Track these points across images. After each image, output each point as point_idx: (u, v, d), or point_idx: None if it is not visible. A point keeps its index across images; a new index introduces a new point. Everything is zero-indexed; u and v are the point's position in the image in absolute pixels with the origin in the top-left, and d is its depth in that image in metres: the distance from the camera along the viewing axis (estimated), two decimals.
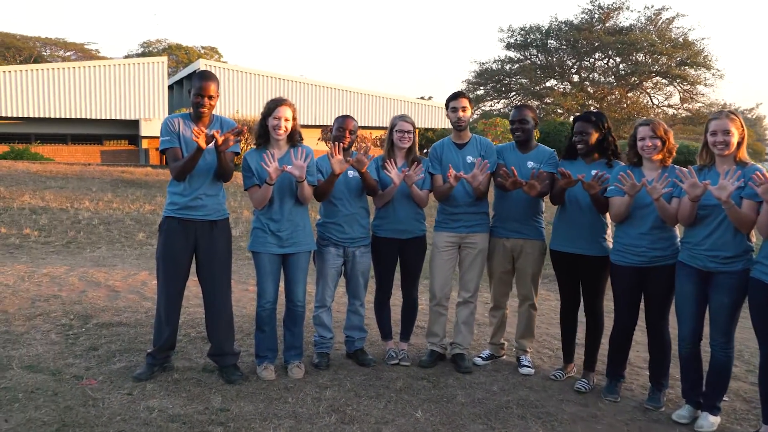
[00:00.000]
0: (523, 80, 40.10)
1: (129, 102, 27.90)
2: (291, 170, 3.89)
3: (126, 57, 48.77)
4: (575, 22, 38.17)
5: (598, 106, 36.21)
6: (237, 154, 4.02)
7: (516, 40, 39.73)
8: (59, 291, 6.08)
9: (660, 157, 3.82)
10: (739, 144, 3.49)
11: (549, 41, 39.14)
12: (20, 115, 26.49)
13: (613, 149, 4.19)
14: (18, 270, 6.92)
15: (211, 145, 3.73)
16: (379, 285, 4.58)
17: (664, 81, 38.14)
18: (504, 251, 4.47)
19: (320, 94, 30.89)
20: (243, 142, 16.23)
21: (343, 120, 4.34)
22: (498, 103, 41.18)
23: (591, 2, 38.48)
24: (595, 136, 4.10)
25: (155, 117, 27.75)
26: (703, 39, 45.97)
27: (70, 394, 3.69)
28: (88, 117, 27.54)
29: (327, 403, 3.74)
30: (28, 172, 16.73)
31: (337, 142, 4.17)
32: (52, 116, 26.94)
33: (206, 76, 3.86)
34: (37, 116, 26.75)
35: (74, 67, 27.52)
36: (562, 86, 40.04)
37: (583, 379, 4.19)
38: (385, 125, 30.26)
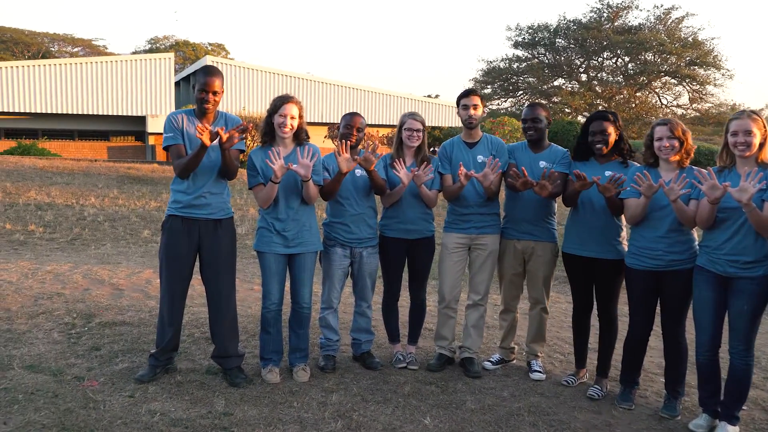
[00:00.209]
0: (530, 79, 39.85)
1: (136, 98, 27.94)
2: (296, 169, 3.79)
3: (133, 53, 48.80)
4: (584, 20, 37.91)
5: (606, 105, 35.95)
6: (242, 151, 3.93)
7: (524, 38, 39.50)
8: (62, 289, 6.01)
9: (677, 158, 3.71)
10: (761, 145, 3.37)
11: (557, 40, 38.89)
12: (27, 111, 26.57)
13: (629, 149, 4.09)
14: (22, 267, 6.86)
15: (215, 142, 3.64)
16: (387, 286, 4.48)
17: (673, 81, 37.82)
18: (515, 253, 4.36)
19: (327, 91, 30.83)
20: (249, 139, 16.17)
21: (351, 117, 4.24)
22: (505, 101, 40.99)
23: (600, 1, 38.19)
24: (614, 136, 3.99)
25: (162, 113, 27.75)
26: (713, 39, 45.57)
27: (71, 395, 3.61)
28: (95, 113, 27.59)
29: (333, 408, 3.64)
30: (34, 167, 16.73)
31: (344, 140, 4.06)
32: (60, 112, 26.99)
33: (210, 72, 3.76)
34: (44, 112, 26.81)
35: (81, 63, 27.57)
36: (570, 85, 39.79)
37: (596, 386, 4.07)
38: (391, 123, 30.29)
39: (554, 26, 38.49)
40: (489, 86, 40.37)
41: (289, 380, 4.02)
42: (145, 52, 51.86)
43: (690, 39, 36.13)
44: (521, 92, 40.59)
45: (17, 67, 26.52)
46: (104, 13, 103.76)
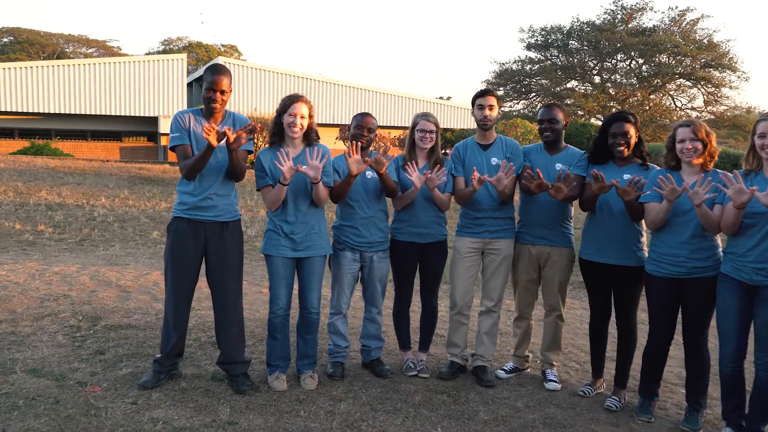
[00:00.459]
0: (543, 81, 39.58)
1: (148, 99, 28.04)
2: (306, 170, 3.68)
3: (147, 54, 49.02)
4: (597, 22, 37.59)
5: (619, 107, 35.59)
6: (250, 152, 3.83)
7: (537, 40, 39.23)
8: (69, 290, 5.94)
9: (701, 161, 3.56)
10: None
11: (570, 42, 38.59)
12: (41, 111, 26.71)
13: (648, 151, 3.95)
14: (29, 268, 6.80)
15: (222, 142, 3.54)
16: (398, 292, 4.36)
17: (687, 83, 37.40)
18: (530, 258, 4.22)
19: (339, 92, 30.79)
20: (260, 140, 16.11)
21: (362, 118, 4.12)
22: (518, 103, 40.74)
23: (614, 3, 37.89)
24: (635, 138, 3.85)
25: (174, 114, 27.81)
26: (728, 40, 44.93)
27: (72, 401, 3.52)
28: (108, 113, 27.69)
29: (341, 417, 3.53)
30: (46, 167, 16.77)
31: (354, 141, 3.95)
32: (73, 112, 27.12)
33: (218, 70, 3.66)
34: (57, 112, 26.94)
35: (94, 64, 27.70)
36: (583, 87, 39.47)
37: (614, 397, 3.93)
38: (403, 125, 30.20)
39: (567, 28, 38.20)
40: (501, 88, 40.13)
41: (297, 388, 3.91)
42: (159, 53, 52.10)
43: (705, 41, 35.72)
44: (534, 94, 40.33)
45: (31, 67, 26.68)
46: (119, 15, 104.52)
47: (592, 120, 33.99)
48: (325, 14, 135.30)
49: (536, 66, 39.82)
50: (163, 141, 28.65)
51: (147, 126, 29.50)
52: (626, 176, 3.80)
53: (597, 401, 3.97)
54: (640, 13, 37.33)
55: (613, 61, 38.61)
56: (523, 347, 4.41)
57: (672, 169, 3.67)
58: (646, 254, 3.82)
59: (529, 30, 39.72)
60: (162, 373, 3.83)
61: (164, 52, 53.22)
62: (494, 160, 4.18)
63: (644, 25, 37.08)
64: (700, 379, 3.66)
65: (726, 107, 37.04)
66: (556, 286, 4.20)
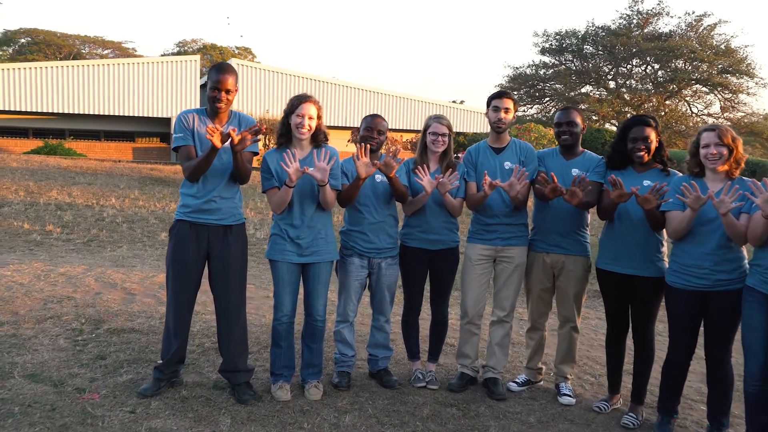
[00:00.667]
0: (557, 86, 39.26)
1: (161, 100, 28.11)
2: (313, 173, 3.55)
3: (162, 56, 49.27)
4: (613, 27, 37.25)
5: (634, 113, 35.25)
6: (255, 154, 3.70)
7: (551, 44, 38.95)
8: (74, 292, 5.84)
9: (726, 168, 3.39)
10: None
11: (585, 46, 38.27)
12: (55, 111, 26.84)
13: (668, 156, 3.79)
14: (35, 268, 6.73)
15: (227, 144, 3.42)
16: (408, 300, 4.22)
17: (704, 89, 36.95)
18: (544, 267, 4.07)
19: (352, 95, 30.73)
20: (273, 141, 16.03)
21: (372, 119, 3.98)
22: (531, 108, 40.44)
23: (630, 7, 37.58)
24: (656, 143, 3.69)
25: None
26: (746, 46, 44.55)
27: (69, 409, 3.41)
28: (121, 114, 27.79)
29: (345, 430, 3.39)
30: (58, 167, 16.81)
31: (363, 143, 3.81)
32: (86, 112, 27.24)
33: (223, 69, 3.54)
34: (71, 112, 27.06)
35: (108, 65, 27.82)
36: (597, 92, 39.11)
37: (631, 413, 3.76)
38: (416, 128, 30.08)
39: (582, 33, 37.88)
40: (515, 92, 39.86)
41: (301, 398, 3.78)
42: (173, 54, 52.35)
43: (722, 46, 35.28)
44: (548, 99, 40.03)
45: (45, 67, 26.83)
46: (135, 17, 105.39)
47: (607, 125, 33.64)
48: (339, 17, 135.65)
49: (550, 70, 39.53)
50: None
51: (160, 127, 29.58)
52: (646, 183, 3.64)
53: (613, 417, 3.81)
54: (656, 17, 36.96)
55: (629, 66, 38.24)
56: (536, 359, 4.25)
57: (695, 176, 3.50)
58: (667, 264, 3.66)
59: (544, 34, 39.49)
60: (162, 381, 3.71)
61: (179, 53, 53.46)
62: (507, 164, 4.04)
63: (660, 30, 36.70)
64: (723, 398, 3.49)
65: (743, 114, 36.58)
66: (571, 297, 4.04)
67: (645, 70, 38.00)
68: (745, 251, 3.42)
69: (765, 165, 20.06)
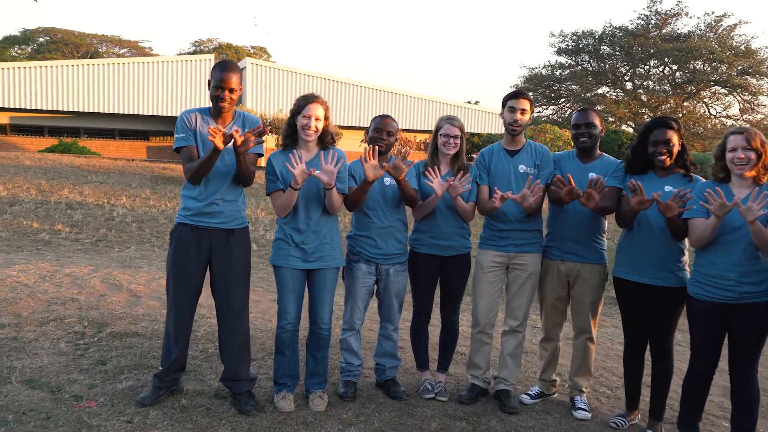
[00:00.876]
0: (573, 86, 38.89)
1: (176, 98, 28.18)
2: (319, 175, 3.41)
3: (178, 55, 49.50)
4: (630, 27, 36.83)
5: (651, 114, 34.79)
6: (260, 155, 3.57)
7: (567, 45, 38.60)
8: (78, 294, 5.76)
9: (753, 173, 3.21)
10: None
11: (602, 47, 37.87)
12: (70, 109, 26.98)
13: (691, 160, 3.61)
14: (41, 269, 6.66)
15: (230, 145, 3.29)
16: (417, 308, 4.06)
17: (723, 90, 36.42)
18: (558, 275, 3.90)
19: (366, 95, 30.59)
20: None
21: (381, 120, 3.84)
22: (547, 109, 40.11)
23: (648, 8, 37.07)
24: (678, 146, 3.51)
25: None
26: (767, 47, 43.79)
27: (64, 418, 3.30)
28: (136, 113, 27.89)
29: None
30: (71, 165, 16.84)
31: (372, 145, 3.67)
32: (101, 111, 27.36)
33: (227, 67, 3.41)
34: (86, 110, 27.19)
35: (123, 63, 27.92)
36: (614, 94, 38.70)
37: (650, 430, 3.58)
38: (429, 129, 29.90)
39: (599, 33, 37.48)
40: (531, 93, 39.56)
41: (304, 408, 3.64)
42: (189, 54, 52.56)
43: (742, 47, 34.74)
44: (563, 100, 39.68)
45: (61, 66, 26.97)
46: (152, 17, 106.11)
47: (623, 127, 33.25)
48: (354, 17, 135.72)
49: (566, 71, 39.17)
50: None
51: (174, 126, 29.65)
52: (668, 188, 3.47)
53: None
54: (674, 18, 36.49)
55: (646, 67, 37.78)
56: (549, 371, 4.08)
57: (720, 182, 3.32)
58: (688, 274, 3.48)
59: (560, 35, 39.14)
60: (162, 389, 3.59)
61: (194, 53, 53.68)
62: (522, 168, 3.88)
63: (679, 31, 36.22)
64: (749, 414, 3.30)
65: (763, 116, 36.03)
66: (586, 306, 3.87)
67: (663, 71, 37.55)
68: None
69: None
